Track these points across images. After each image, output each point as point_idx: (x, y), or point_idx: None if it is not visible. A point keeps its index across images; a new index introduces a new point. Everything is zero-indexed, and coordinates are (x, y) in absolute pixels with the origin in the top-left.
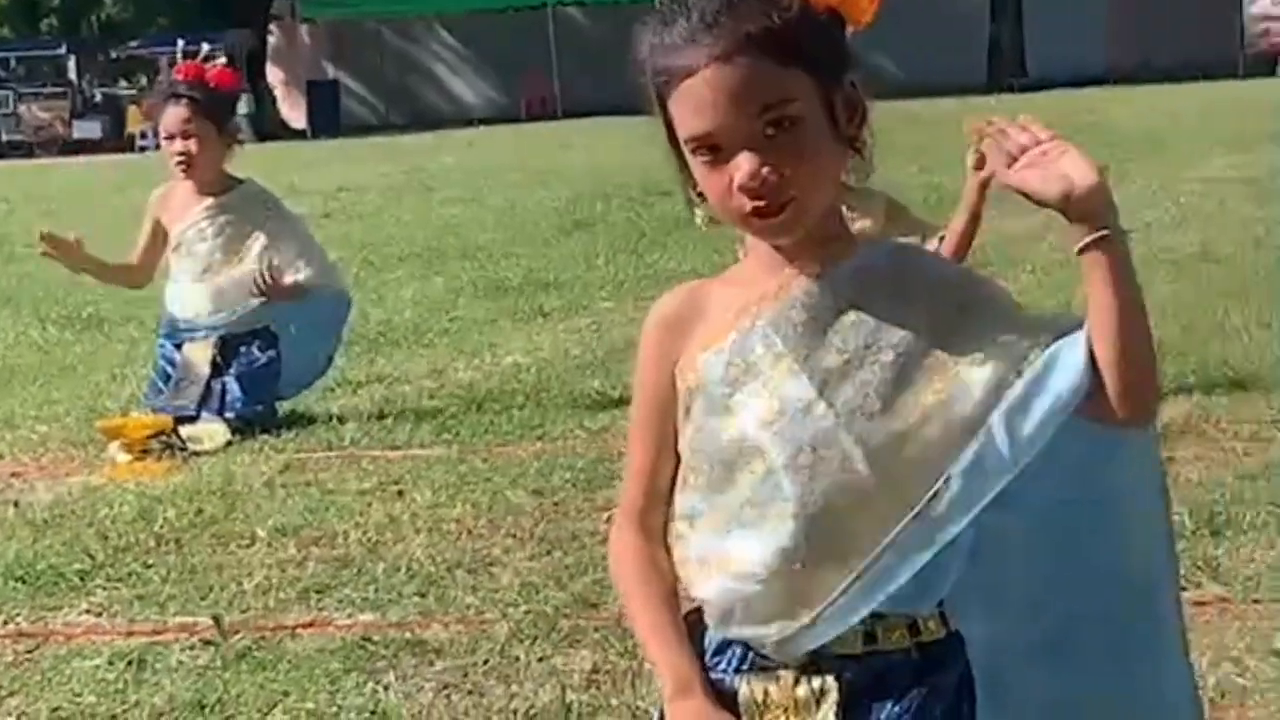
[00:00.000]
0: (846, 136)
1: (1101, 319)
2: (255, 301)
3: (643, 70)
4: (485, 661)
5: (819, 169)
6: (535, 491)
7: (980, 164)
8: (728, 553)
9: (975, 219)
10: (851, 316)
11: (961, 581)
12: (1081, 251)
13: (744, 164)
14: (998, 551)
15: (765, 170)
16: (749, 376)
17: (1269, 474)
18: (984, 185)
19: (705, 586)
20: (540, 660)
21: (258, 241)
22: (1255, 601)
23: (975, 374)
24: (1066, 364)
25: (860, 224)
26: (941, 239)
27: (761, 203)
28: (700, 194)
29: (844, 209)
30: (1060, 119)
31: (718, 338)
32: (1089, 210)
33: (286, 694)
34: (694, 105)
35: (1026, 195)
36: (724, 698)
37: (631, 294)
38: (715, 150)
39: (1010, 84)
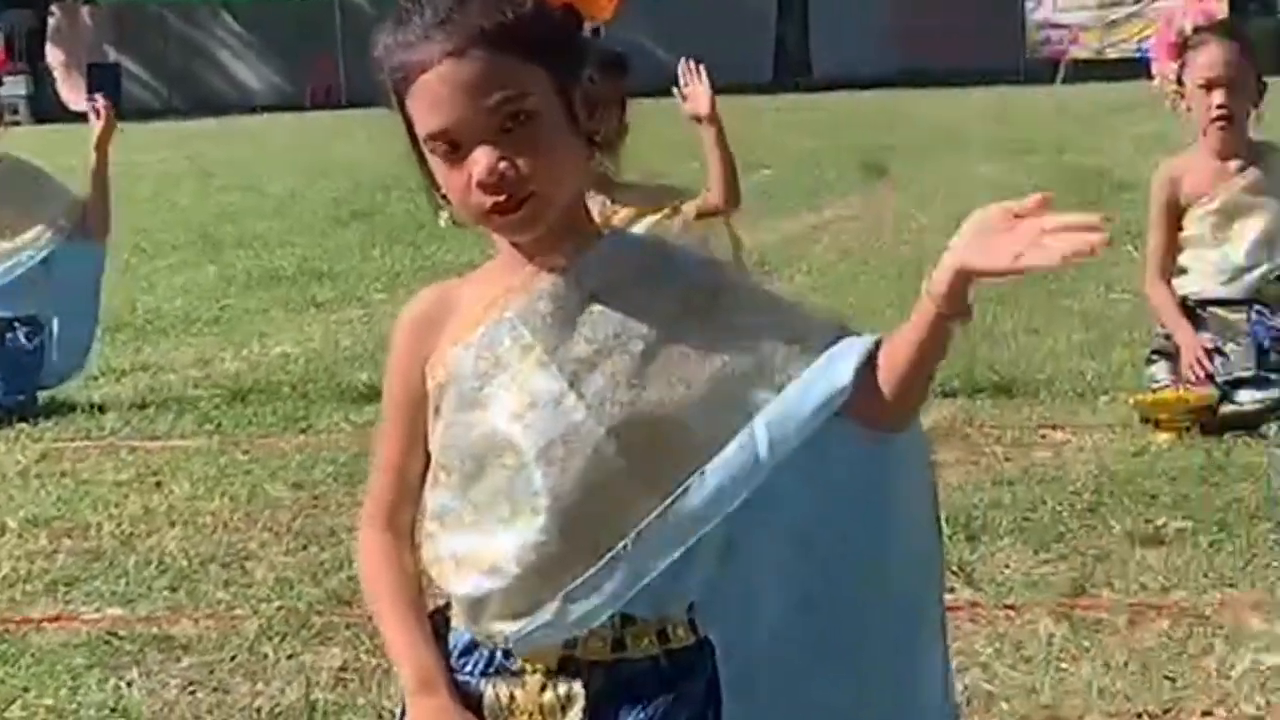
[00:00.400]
0: (586, 131)
1: (914, 358)
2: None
3: (380, 69)
4: (233, 658)
5: (557, 163)
6: (295, 485)
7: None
8: (481, 548)
9: (725, 160)
10: (599, 307)
11: (715, 584)
12: (944, 309)
13: (481, 159)
14: (756, 553)
15: (503, 165)
16: (498, 369)
17: (1027, 480)
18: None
19: (458, 583)
20: (289, 658)
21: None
22: (1007, 607)
23: (733, 366)
24: (832, 373)
25: (623, 214)
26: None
27: (501, 198)
28: (444, 195)
29: (608, 200)
30: (842, 120)
31: (466, 332)
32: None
33: (26, 689)
34: (430, 101)
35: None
36: (469, 700)
37: (406, 286)
38: (453, 147)
39: (795, 83)
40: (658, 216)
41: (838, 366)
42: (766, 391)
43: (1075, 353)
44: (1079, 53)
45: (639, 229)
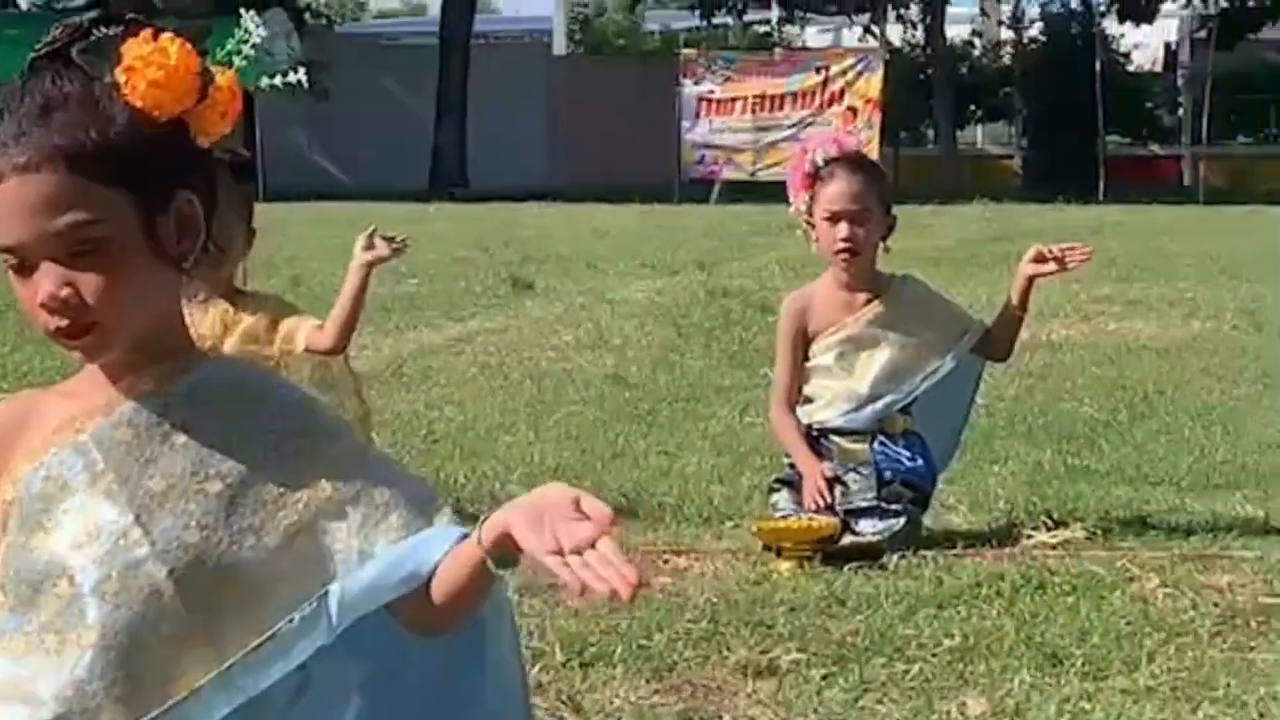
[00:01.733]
0: (176, 255)
1: (456, 591)
2: None
3: None
4: None
5: (129, 292)
6: None
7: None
8: (23, 678)
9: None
10: (182, 439)
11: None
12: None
13: (43, 283)
14: (332, 697)
15: (65, 291)
16: (65, 494)
17: (646, 606)
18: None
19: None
20: None
21: None
22: None
23: (314, 521)
24: (418, 556)
25: (246, 323)
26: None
27: (64, 323)
28: None
29: (231, 308)
30: (494, 231)
31: (40, 452)
32: None
33: None
34: None
35: None
36: None
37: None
38: (21, 262)
39: (450, 193)
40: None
41: (424, 550)
42: (346, 555)
43: (705, 477)
44: (732, 174)
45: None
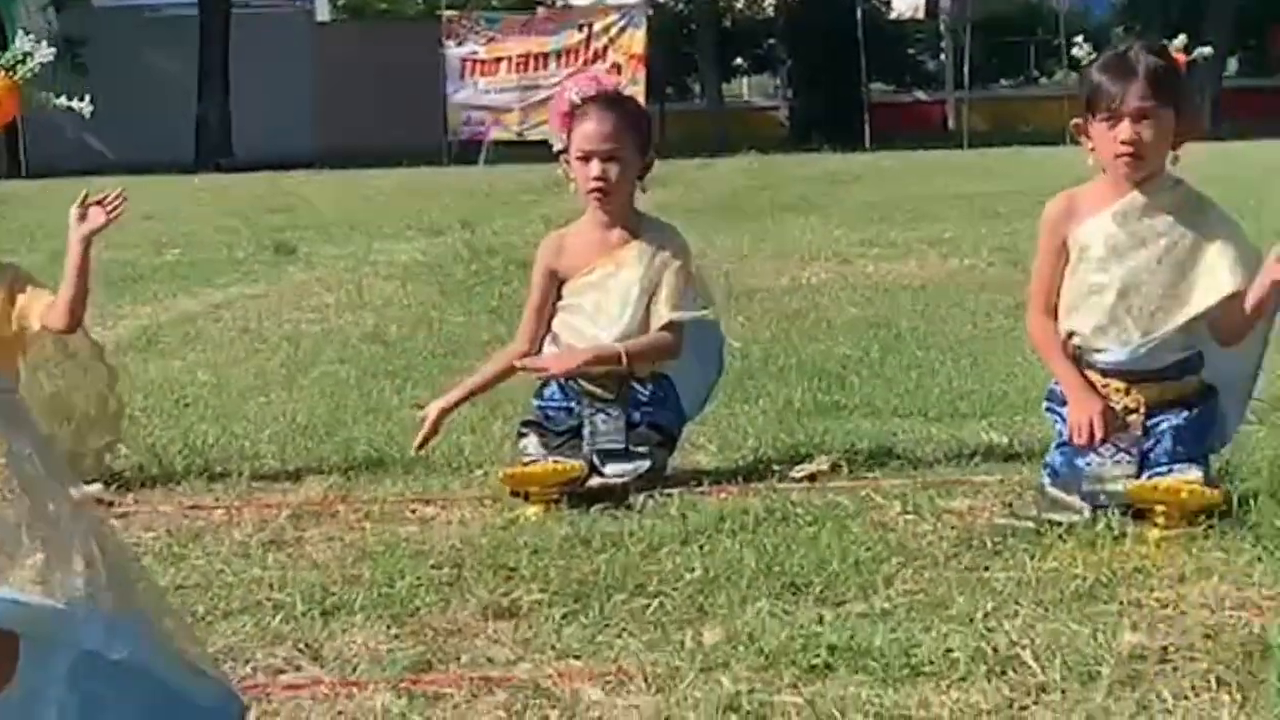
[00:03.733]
0: None
1: None
2: None
3: None
4: None
5: None
6: None
7: None
8: None
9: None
10: None
11: None
12: None
13: None
14: None
15: None
16: None
17: (390, 555)
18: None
19: None
20: None
21: None
22: (349, 684)
23: None
24: None
25: None
26: None
27: None
28: None
29: None
30: (258, 200)
31: None
32: None
33: None
34: None
35: None
36: None
37: None
38: None
39: (217, 163)
40: None
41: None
42: None
43: (457, 428)
44: (499, 135)
45: None
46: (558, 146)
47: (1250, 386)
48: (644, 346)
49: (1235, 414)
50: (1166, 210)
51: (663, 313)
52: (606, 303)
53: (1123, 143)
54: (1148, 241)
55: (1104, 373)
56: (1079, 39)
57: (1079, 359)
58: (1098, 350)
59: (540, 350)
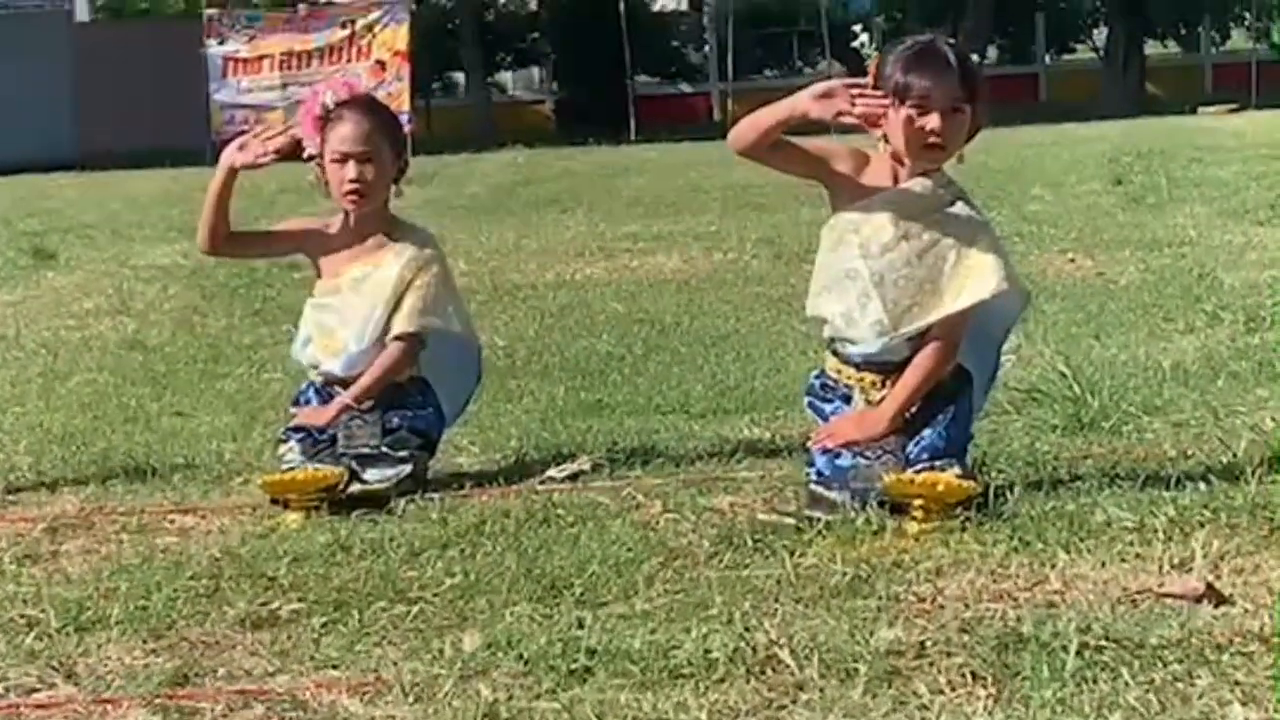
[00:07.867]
0: None
1: None
2: None
3: None
4: None
5: None
6: None
7: None
8: None
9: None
10: None
11: None
12: None
13: None
14: None
15: None
16: None
17: (147, 567)
18: None
19: None
20: None
21: None
22: (103, 701)
23: None
24: None
25: None
26: None
27: None
28: None
29: None
30: (18, 203)
31: None
32: None
33: None
34: None
35: None
36: None
37: None
38: None
39: None
40: None
41: None
42: None
43: (218, 435)
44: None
45: None
46: (309, 151)
47: (990, 375)
48: (379, 374)
49: (980, 404)
50: (934, 207)
51: (397, 325)
52: (359, 305)
53: (932, 133)
54: (910, 235)
55: (858, 366)
56: (857, 29)
57: (833, 351)
58: (850, 342)
59: (229, 231)
